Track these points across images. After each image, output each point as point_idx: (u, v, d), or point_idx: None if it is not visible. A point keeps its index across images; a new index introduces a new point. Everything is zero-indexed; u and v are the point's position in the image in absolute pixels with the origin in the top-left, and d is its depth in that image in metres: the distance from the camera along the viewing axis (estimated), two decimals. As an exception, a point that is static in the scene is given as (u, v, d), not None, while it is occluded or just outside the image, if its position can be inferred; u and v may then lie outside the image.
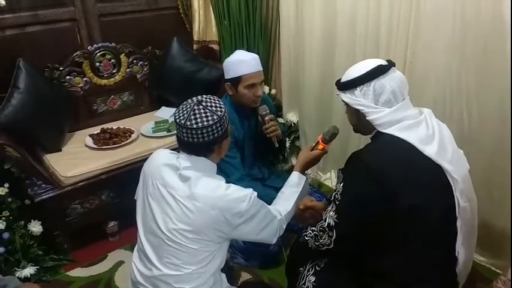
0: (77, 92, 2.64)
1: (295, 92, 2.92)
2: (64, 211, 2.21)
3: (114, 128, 2.64)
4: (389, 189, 1.17)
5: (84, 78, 2.65)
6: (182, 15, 3.01)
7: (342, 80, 1.33)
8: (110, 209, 2.36)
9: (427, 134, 1.25)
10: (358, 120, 1.34)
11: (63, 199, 2.18)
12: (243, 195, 1.31)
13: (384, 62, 1.29)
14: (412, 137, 1.22)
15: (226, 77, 1.96)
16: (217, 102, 1.33)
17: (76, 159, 2.31)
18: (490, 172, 1.90)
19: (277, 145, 1.99)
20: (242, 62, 1.91)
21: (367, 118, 1.27)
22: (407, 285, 1.26)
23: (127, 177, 2.08)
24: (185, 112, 1.29)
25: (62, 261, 2.20)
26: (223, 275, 1.48)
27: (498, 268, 1.99)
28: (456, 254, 1.32)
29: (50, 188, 2.14)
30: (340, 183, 1.30)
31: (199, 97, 1.33)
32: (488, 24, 1.74)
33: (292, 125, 3.04)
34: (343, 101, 1.34)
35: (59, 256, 2.21)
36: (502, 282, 1.53)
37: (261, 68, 1.96)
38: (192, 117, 1.28)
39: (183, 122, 1.28)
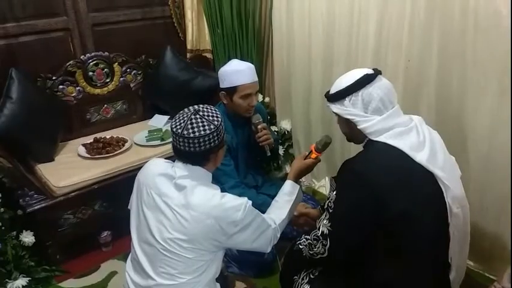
0: (70, 101, 2.64)
1: (289, 100, 2.94)
2: (56, 221, 2.19)
3: (108, 137, 2.63)
4: (382, 196, 1.18)
5: (77, 88, 2.65)
6: (175, 25, 3.02)
7: (331, 92, 1.35)
8: (103, 219, 2.34)
9: (418, 141, 1.26)
10: (350, 130, 1.36)
11: (56, 209, 2.16)
12: (238, 204, 1.31)
13: (370, 71, 1.31)
14: (403, 144, 1.23)
15: (222, 86, 1.97)
16: (214, 112, 1.34)
17: (69, 169, 2.30)
18: (482, 178, 1.92)
19: (269, 153, 2.00)
20: (238, 72, 1.92)
21: (358, 127, 1.29)
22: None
23: (120, 186, 2.07)
24: (182, 121, 1.30)
25: (54, 272, 2.17)
26: (218, 284, 1.47)
27: (492, 274, 1.99)
28: (449, 261, 1.33)
29: (42, 198, 2.12)
30: (333, 192, 1.31)
31: (196, 106, 1.34)
32: (482, 29, 1.77)
33: (286, 132, 3.05)
34: (333, 112, 1.36)
35: (51, 267, 2.18)
36: (496, 290, 1.54)
37: (257, 78, 1.98)
38: (189, 126, 1.28)
39: (180, 131, 1.29)
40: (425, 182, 1.24)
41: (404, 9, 2.02)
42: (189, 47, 3.03)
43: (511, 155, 1.75)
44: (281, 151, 2.95)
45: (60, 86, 2.59)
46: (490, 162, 1.88)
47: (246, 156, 2.13)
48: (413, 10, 1.98)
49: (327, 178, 2.86)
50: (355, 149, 1.41)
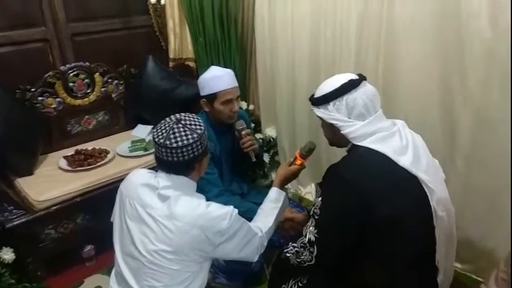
0: (49, 113, 2.59)
1: (273, 107, 2.94)
2: (37, 237, 2.13)
3: (89, 148, 2.60)
4: (367, 201, 1.18)
5: (57, 99, 2.61)
6: (157, 34, 3.01)
7: (315, 96, 1.36)
8: (86, 232, 2.29)
9: (401, 145, 1.27)
10: (333, 134, 1.36)
11: (36, 224, 2.11)
12: (224, 212, 1.30)
13: (355, 76, 1.32)
14: (386, 148, 1.24)
15: (202, 93, 1.96)
16: (196, 120, 1.33)
17: (49, 182, 2.25)
18: (466, 180, 1.94)
19: (255, 159, 1.98)
20: (217, 78, 1.91)
21: (341, 132, 1.29)
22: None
23: (103, 199, 2.04)
24: (164, 131, 1.28)
25: (36, 289, 2.11)
26: (205, 296, 1.44)
27: (479, 276, 2.01)
28: (436, 264, 1.33)
29: (21, 213, 2.06)
30: (318, 198, 1.30)
31: (178, 115, 1.32)
32: (456, 40, 1.81)
33: (271, 140, 3.05)
34: (317, 115, 1.35)
35: (33, 284, 2.11)
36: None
37: (237, 84, 1.97)
38: (172, 136, 1.26)
39: (162, 141, 1.26)
40: (409, 185, 1.24)
41: (382, 13, 2.05)
42: (171, 55, 3.01)
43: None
44: (267, 158, 2.94)
45: (40, 98, 2.54)
46: (475, 164, 1.90)
47: (230, 163, 2.11)
48: (390, 12, 2.02)
49: (312, 184, 2.86)
50: (341, 155, 1.40)
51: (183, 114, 1.33)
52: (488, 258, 1.93)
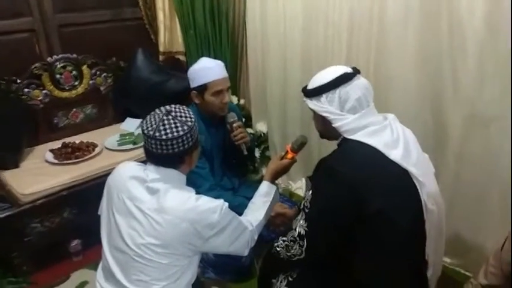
0: (36, 105, 2.55)
1: (264, 101, 2.93)
2: (22, 231, 2.09)
3: (77, 142, 2.56)
4: (358, 194, 1.18)
5: (44, 91, 2.57)
6: (147, 26, 2.98)
7: (308, 87, 1.34)
8: (73, 226, 2.26)
9: (392, 138, 1.27)
10: (325, 127, 1.35)
11: (22, 218, 2.07)
12: (214, 206, 1.28)
13: (349, 70, 1.31)
14: (377, 142, 1.23)
15: (192, 85, 1.94)
16: (186, 112, 1.31)
17: (35, 176, 2.22)
18: (456, 174, 1.95)
19: (246, 152, 1.97)
20: (207, 69, 1.90)
21: (333, 125, 1.28)
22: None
23: (90, 192, 2.02)
24: (154, 123, 1.26)
25: (21, 284, 2.10)
26: (194, 290, 1.43)
27: (468, 271, 2.02)
28: (426, 258, 1.33)
29: (6, 206, 2.03)
30: (309, 191, 1.29)
31: (168, 107, 1.30)
32: (447, 34, 1.81)
33: (262, 135, 3.04)
34: (309, 107, 1.34)
35: (18, 279, 2.10)
36: (472, 286, 1.55)
37: (227, 74, 1.95)
38: (161, 127, 1.24)
39: (151, 133, 1.24)
40: (400, 179, 1.24)
41: (373, 8, 2.05)
42: (161, 49, 2.98)
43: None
44: (257, 153, 2.93)
45: (26, 90, 2.49)
46: (465, 159, 1.91)
47: (221, 157, 2.09)
48: (381, 8, 2.02)
49: (303, 179, 2.86)
50: (332, 149, 1.40)
51: (173, 105, 1.31)
52: (477, 253, 1.95)
